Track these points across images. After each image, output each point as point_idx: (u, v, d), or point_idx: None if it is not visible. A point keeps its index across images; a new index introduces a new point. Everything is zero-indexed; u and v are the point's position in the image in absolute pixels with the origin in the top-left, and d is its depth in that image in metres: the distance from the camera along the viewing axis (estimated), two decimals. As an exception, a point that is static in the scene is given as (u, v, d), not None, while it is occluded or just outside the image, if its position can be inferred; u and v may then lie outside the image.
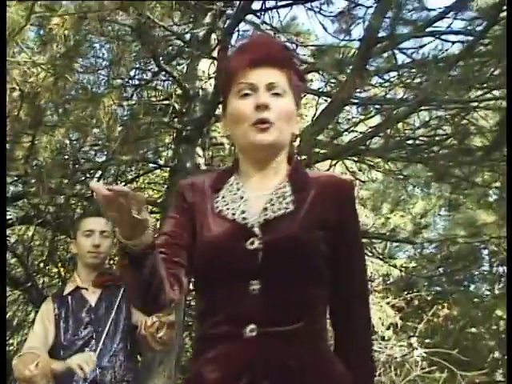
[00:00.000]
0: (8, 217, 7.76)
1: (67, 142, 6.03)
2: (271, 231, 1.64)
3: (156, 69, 6.86)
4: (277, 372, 1.57)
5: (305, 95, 6.84)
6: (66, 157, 6.26)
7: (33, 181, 5.52)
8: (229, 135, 1.82)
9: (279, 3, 6.63)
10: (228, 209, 1.69)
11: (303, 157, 5.52)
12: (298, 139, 1.84)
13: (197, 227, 1.71)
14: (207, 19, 6.50)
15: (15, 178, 6.64)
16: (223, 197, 1.73)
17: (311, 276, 1.66)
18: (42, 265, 7.89)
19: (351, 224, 1.78)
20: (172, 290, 1.66)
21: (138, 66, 6.74)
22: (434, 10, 5.34)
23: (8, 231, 8.28)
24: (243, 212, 1.67)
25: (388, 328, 9.88)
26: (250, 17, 6.48)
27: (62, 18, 4.60)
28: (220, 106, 6.68)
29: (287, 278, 1.61)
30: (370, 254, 7.86)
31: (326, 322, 1.73)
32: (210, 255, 1.66)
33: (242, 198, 1.71)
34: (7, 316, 8.19)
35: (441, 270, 8.94)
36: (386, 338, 9.93)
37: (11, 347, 8.71)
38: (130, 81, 6.78)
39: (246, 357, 1.57)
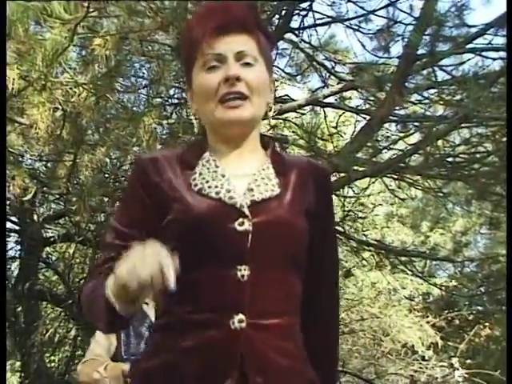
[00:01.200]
0: (50, 234, 7.88)
1: (108, 160, 6.10)
2: (260, 213, 1.50)
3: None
4: (269, 369, 1.45)
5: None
6: (107, 175, 6.33)
7: (74, 199, 5.57)
8: (196, 111, 1.67)
9: (317, 21, 6.65)
10: (210, 187, 1.53)
11: (342, 174, 5.51)
12: (273, 110, 1.67)
13: (169, 205, 1.53)
14: (246, 38, 6.53)
15: (57, 197, 6.74)
16: (200, 173, 1.56)
17: (297, 264, 1.55)
18: (82, 282, 7.97)
19: (328, 213, 1.69)
20: None
21: (177, 84, 6.78)
22: (474, 26, 5.30)
23: (49, 249, 8.41)
24: (228, 191, 1.52)
25: (428, 348, 9.79)
26: (288, 35, 6.51)
27: (103, 39, 4.65)
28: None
29: (276, 264, 1.50)
30: (409, 273, 7.78)
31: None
32: (192, 234, 1.49)
33: (223, 176, 1.55)
34: (48, 333, 8.30)
35: (482, 289, 8.79)
36: (427, 357, 9.84)
37: (53, 364, 8.81)
38: (170, 100, 6.82)
39: (235, 349, 1.43)
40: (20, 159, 5.69)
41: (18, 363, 9.09)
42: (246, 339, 1.44)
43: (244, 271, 1.46)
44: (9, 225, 8.06)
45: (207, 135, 1.66)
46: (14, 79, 4.09)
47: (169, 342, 1.48)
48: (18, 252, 8.38)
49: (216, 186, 1.52)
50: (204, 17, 1.62)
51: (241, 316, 1.44)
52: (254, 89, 1.56)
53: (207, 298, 1.47)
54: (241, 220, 1.48)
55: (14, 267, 8.70)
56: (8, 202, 6.16)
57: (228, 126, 1.57)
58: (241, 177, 1.56)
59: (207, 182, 1.54)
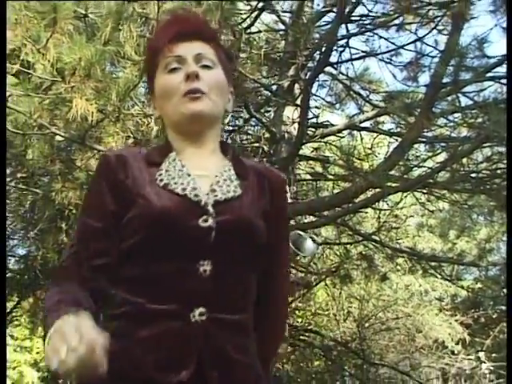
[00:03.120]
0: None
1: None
2: (223, 212, 1.38)
3: (247, 116, 7.00)
4: (224, 363, 1.33)
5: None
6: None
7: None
8: (159, 118, 1.57)
9: (353, 56, 6.67)
10: (176, 183, 1.41)
11: (377, 190, 5.50)
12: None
13: (134, 200, 1.39)
14: (291, 72, 6.59)
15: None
16: (167, 170, 1.44)
17: (255, 262, 1.43)
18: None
19: (283, 217, 1.58)
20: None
21: (231, 113, 6.86)
22: (493, 57, 5.26)
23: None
24: (194, 189, 1.40)
25: (457, 343, 9.64)
26: (328, 68, 6.54)
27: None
28: (303, 146, 6.76)
29: (237, 262, 1.38)
30: (439, 276, 7.70)
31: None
32: (156, 228, 1.36)
33: (189, 175, 1.43)
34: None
35: (505, 290, 8.61)
36: (456, 352, 9.68)
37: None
38: (225, 126, 6.90)
39: (193, 342, 1.30)
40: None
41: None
42: (205, 333, 1.31)
43: (206, 266, 1.34)
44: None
45: (169, 139, 1.53)
46: (92, 112, 4.19)
47: (126, 330, 1.33)
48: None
49: (182, 183, 1.41)
50: (165, 27, 1.57)
51: (201, 309, 1.32)
52: (212, 87, 1.47)
53: (169, 289, 1.33)
54: (205, 217, 1.37)
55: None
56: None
57: (188, 119, 1.46)
58: (203, 177, 1.44)
59: (173, 178, 1.42)
